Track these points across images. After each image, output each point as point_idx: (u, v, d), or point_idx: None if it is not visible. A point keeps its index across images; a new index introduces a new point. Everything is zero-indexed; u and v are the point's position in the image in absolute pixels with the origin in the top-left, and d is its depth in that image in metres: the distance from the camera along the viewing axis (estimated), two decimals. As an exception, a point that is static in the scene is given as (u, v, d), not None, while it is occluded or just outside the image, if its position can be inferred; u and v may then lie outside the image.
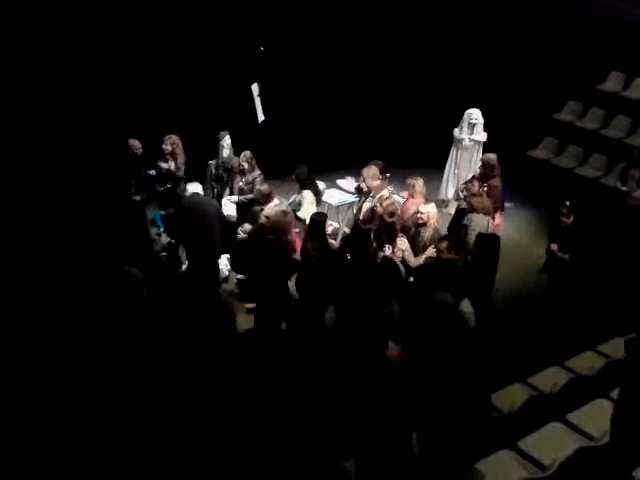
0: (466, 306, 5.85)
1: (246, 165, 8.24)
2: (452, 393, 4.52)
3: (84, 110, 9.83)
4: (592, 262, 7.63)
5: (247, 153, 8.30)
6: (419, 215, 7.22)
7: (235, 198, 8.38)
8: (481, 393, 4.65)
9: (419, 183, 7.83)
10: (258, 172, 8.29)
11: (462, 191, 8.23)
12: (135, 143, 8.35)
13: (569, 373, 6.05)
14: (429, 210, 7.25)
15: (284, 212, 6.94)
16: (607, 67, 11.54)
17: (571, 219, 7.57)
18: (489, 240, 6.73)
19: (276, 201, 7.46)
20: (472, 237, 7.00)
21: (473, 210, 7.37)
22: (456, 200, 9.16)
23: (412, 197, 7.84)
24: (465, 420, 4.50)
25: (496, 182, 8.42)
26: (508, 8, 12.08)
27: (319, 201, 8.44)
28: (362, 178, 8.06)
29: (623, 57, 11.35)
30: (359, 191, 8.46)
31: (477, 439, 4.66)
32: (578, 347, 6.54)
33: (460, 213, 7.88)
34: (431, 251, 7.02)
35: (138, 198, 8.13)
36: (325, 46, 11.65)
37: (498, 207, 8.50)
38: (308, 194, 8.07)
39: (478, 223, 7.25)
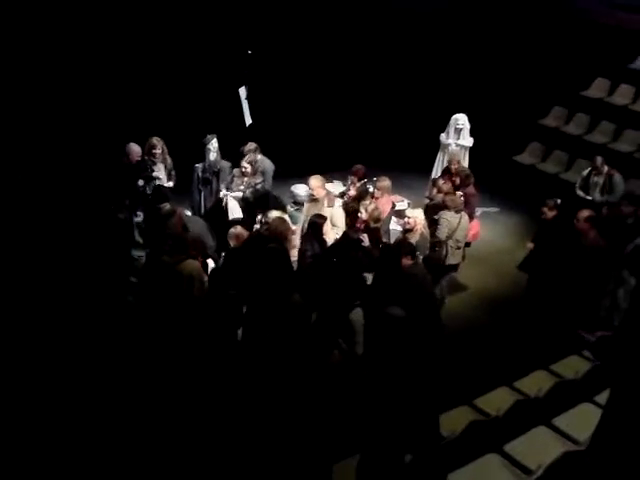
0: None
1: (249, 168, 8.06)
2: (399, 409, 4.41)
3: (69, 117, 9.78)
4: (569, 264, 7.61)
5: (252, 156, 8.19)
6: (406, 220, 7.23)
7: (239, 194, 8.10)
8: (428, 411, 4.56)
9: (387, 182, 8.04)
10: (261, 179, 8.16)
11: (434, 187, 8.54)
12: (136, 149, 8.14)
13: (555, 377, 6.08)
14: (416, 216, 7.24)
15: (282, 219, 6.87)
16: (592, 73, 11.66)
17: (553, 213, 7.62)
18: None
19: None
20: (442, 233, 7.51)
21: (445, 207, 7.65)
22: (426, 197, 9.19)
23: (382, 196, 7.93)
24: (412, 440, 4.40)
25: (472, 190, 8.53)
26: (494, 14, 12.17)
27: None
28: (310, 188, 7.79)
29: (608, 63, 11.47)
30: (341, 196, 8.44)
31: (428, 459, 4.56)
32: (564, 351, 6.58)
33: (432, 210, 8.05)
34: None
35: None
36: (314, 50, 11.65)
37: (473, 215, 8.59)
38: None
39: (448, 220, 7.58)
